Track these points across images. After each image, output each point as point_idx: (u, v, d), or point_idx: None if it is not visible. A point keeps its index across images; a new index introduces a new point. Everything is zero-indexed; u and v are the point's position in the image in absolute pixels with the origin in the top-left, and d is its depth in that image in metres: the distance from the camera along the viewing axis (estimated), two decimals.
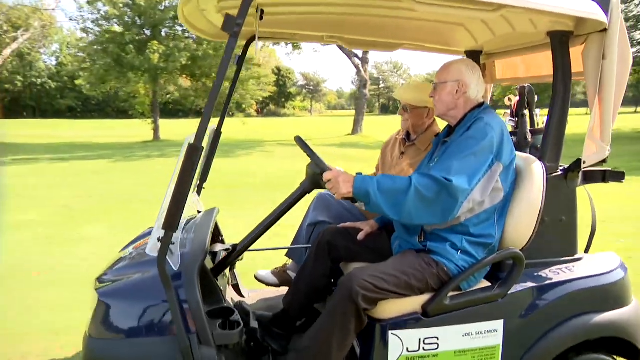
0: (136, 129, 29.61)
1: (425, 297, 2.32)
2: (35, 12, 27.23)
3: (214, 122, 2.59)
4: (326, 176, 2.35)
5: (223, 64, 1.96)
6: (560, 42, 2.42)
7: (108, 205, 9.03)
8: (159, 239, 2.06)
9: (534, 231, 2.38)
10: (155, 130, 26.32)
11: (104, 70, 24.03)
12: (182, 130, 23.58)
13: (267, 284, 3.42)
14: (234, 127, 25.40)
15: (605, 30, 2.29)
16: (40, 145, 23.30)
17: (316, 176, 2.51)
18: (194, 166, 1.99)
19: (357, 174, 2.36)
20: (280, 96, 79.20)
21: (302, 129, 34.64)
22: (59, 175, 12.98)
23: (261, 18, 2.46)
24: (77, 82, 30.72)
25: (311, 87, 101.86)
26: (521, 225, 2.39)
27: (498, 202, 2.35)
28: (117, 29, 24.05)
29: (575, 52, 2.47)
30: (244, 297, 3.18)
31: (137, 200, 9.31)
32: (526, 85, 3.15)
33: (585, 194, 2.81)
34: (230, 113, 72.69)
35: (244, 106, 72.41)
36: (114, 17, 24.27)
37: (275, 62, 79.77)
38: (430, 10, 2.16)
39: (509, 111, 3.22)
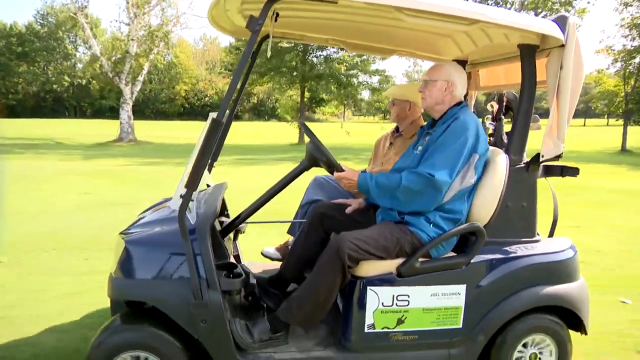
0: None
1: (400, 261, 2.79)
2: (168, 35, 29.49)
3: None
4: (337, 176, 2.93)
5: (244, 56, 2.46)
6: (527, 54, 2.92)
7: None
8: (181, 196, 2.53)
9: (495, 211, 2.87)
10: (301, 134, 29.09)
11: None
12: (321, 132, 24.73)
13: (272, 259, 3.96)
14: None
15: (563, 45, 2.79)
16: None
17: (316, 155, 3.00)
18: (216, 136, 2.45)
19: (361, 171, 2.94)
20: (312, 101, 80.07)
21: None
22: None
23: (275, 20, 2.95)
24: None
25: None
26: (484, 206, 2.88)
27: (469, 185, 2.84)
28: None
29: (540, 64, 2.96)
30: (249, 269, 3.62)
31: None
32: (505, 92, 3.62)
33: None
34: (266, 118, 74.68)
35: (278, 111, 73.48)
36: None
37: None
38: (416, 21, 2.65)
39: (490, 116, 3.68)
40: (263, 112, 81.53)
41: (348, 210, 3.21)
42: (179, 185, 2.64)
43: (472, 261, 2.84)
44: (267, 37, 3.45)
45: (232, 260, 3.44)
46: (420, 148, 2.98)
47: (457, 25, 2.72)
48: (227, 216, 3.57)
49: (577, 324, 3.08)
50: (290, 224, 4.06)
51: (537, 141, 3.05)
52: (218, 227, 3.11)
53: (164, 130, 36.62)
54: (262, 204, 3.13)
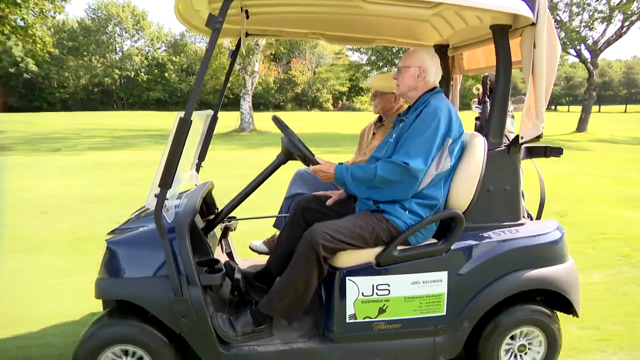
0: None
1: (378, 250, 2.83)
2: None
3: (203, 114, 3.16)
4: (313, 169, 2.98)
5: (206, 55, 2.51)
6: (500, 34, 2.91)
7: None
8: (155, 195, 2.61)
9: (474, 197, 2.87)
10: None
11: None
12: None
13: (260, 253, 4.06)
14: None
15: (534, 24, 2.76)
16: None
17: (290, 149, 3.06)
18: (184, 135, 2.50)
19: (338, 164, 2.98)
20: (351, 91, 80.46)
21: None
22: None
23: (247, 17, 3.02)
24: None
25: None
26: (462, 191, 2.88)
27: (445, 170, 2.86)
28: None
29: (516, 44, 2.93)
30: (237, 264, 3.64)
31: None
32: (488, 74, 3.54)
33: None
34: (308, 107, 75.68)
35: (320, 100, 73.38)
36: None
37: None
38: (376, 8, 2.67)
39: (477, 99, 3.62)
40: (305, 101, 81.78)
41: (329, 202, 3.27)
42: (152, 186, 2.70)
43: (452, 247, 2.86)
44: (246, 35, 3.48)
45: (224, 257, 3.55)
46: (394, 136, 3.01)
47: (421, 10, 2.71)
48: (218, 213, 3.59)
49: (567, 307, 3.06)
50: (275, 218, 4.13)
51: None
52: (200, 225, 3.19)
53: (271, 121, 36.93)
54: (242, 199, 3.21)
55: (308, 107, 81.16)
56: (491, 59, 3.52)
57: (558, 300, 3.06)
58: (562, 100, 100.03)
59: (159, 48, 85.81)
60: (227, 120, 31.11)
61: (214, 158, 14.29)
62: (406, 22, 3.51)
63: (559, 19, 27.55)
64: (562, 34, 26.85)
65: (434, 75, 3.04)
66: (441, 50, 3.79)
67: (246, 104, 27.26)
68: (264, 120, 31.19)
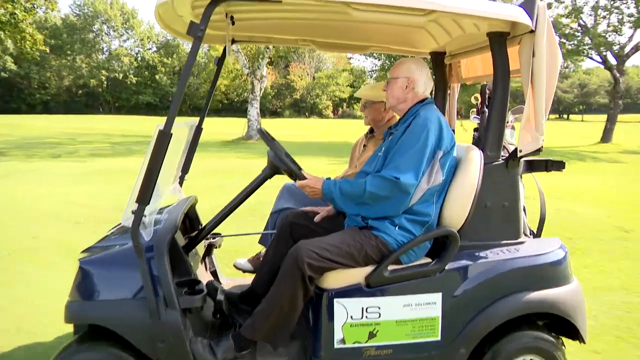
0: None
1: (368, 269, 2.74)
2: None
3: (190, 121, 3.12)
4: (300, 184, 2.94)
5: (188, 63, 2.45)
6: (497, 42, 2.84)
7: None
8: (132, 212, 2.53)
9: (469, 213, 2.79)
10: None
11: None
12: None
13: (245, 271, 3.99)
14: None
15: (533, 31, 2.70)
16: None
17: (276, 163, 3.00)
18: (164, 149, 2.45)
19: (326, 179, 2.92)
20: (352, 98, 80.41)
21: None
22: None
23: (233, 23, 2.96)
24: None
25: None
26: (457, 207, 2.81)
27: (437, 184, 2.79)
28: None
29: (514, 52, 2.87)
30: (221, 283, 3.61)
31: None
32: (487, 83, 3.55)
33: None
34: (306, 114, 74.95)
35: (320, 107, 72.41)
36: None
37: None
38: (366, 16, 2.62)
39: (476, 109, 3.63)
40: (304, 108, 79.29)
41: (317, 218, 3.20)
42: (129, 201, 2.66)
43: (447, 267, 2.77)
44: (232, 42, 3.47)
45: (208, 276, 3.54)
46: (383, 149, 2.95)
47: (413, 18, 2.67)
48: (202, 230, 3.52)
49: (573, 332, 2.96)
50: (261, 234, 4.06)
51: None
52: (182, 242, 3.12)
53: (279, 129, 36.00)
54: (226, 215, 3.14)
55: (307, 114, 78.53)
56: (489, 67, 3.33)
57: (562, 325, 2.95)
58: (575, 109, 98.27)
59: (150, 49, 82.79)
60: (233, 127, 31.23)
61: (223, 165, 14.53)
62: (400, 29, 3.44)
63: (582, 23, 27.07)
64: (587, 39, 26.49)
65: (424, 86, 3.00)
66: (438, 57, 3.75)
67: (254, 109, 26.57)
68: (272, 126, 31.14)
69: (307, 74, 78.44)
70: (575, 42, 27.37)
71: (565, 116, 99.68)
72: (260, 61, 26.47)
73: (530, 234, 3.27)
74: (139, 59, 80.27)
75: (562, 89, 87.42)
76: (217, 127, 34.43)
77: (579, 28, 27.61)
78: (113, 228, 3.37)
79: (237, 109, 72.91)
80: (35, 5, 22.25)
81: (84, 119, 50.75)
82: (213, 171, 13.02)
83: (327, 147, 23.16)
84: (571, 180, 12.37)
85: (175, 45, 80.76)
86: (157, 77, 77.85)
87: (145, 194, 2.46)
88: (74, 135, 28.64)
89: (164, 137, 2.44)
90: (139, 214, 2.49)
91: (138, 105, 74.50)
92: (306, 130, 37.37)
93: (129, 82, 75.40)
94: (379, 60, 35.34)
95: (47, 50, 27.69)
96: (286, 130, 35.38)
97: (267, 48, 25.68)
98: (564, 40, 26.90)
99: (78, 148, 21.16)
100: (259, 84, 26.78)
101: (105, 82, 75.97)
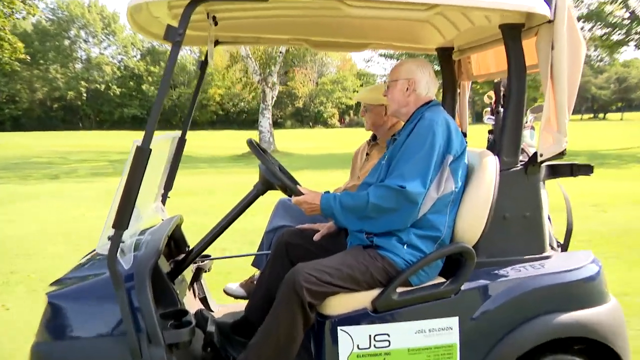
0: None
1: (374, 293, 2.54)
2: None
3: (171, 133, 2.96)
4: (296, 200, 2.78)
5: (167, 69, 2.29)
6: (510, 34, 2.66)
7: None
8: (108, 238, 2.35)
9: (485, 226, 2.59)
10: None
11: None
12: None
13: (236, 297, 3.76)
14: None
15: (551, 21, 2.52)
16: None
17: (269, 178, 2.82)
18: (142, 167, 2.29)
19: (324, 193, 2.74)
20: (358, 105, 79.46)
21: None
22: None
23: (216, 24, 2.78)
24: None
25: None
26: (471, 220, 2.61)
27: (448, 192, 2.60)
28: None
29: (531, 45, 2.70)
30: (212, 311, 3.42)
31: None
32: (501, 80, 3.45)
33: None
34: (310, 124, 74.48)
35: (325, 116, 71.69)
36: None
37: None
38: (362, 12, 2.47)
39: (490, 109, 3.53)
40: (307, 117, 76.63)
41: (316, 237, 3.01)
42: (104, 226, 2.49)
43: (463, 288, 2.57)
44: (216, 44, 3.30)
45: (197, 303, 3.42)
46: (387, 157, 2.77)
47: (414, 12, 2.53)
48: (189, 252, 3.32)
49: (613, 358, 2.72)
50: (255, 255, 3.84)
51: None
52: (166, 268, 2.94)
53: (290, 141, 35.95)
54: (215, 236, 2.94)
55: (310, 123, 75.50)
56: (503, 62, 3.17)
57: (601, 350, 2.74)
58: (612, 107, 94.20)
59: (134, 56, 78.65)
60: (237, 140, 30.58)
61: (242, 181, 13.71)
62: (402, 24, 3.27)
63: (631, 9, 25.86)
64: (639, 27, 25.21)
65: (426, 86, 2.84)
66: (445, 53, 3.55)
67: (266, 120, 25.82)
68: (286, 139, 30.78)
69: (310, 80, 77.89)
70: (624, 30, 26.38)
71: (601, 115, 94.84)
72: (272, 67, 25.85)
73: (559, 247, 3.09)
74: (123, 67, 75.78)
75: (597, 85, 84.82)
76: (221, 142, 33.96)
77: (628, 15, 26.71)
78: (86, 255, 3.17)
79: (232, 120, 69.80)
80: (14, 11, 21.42)
81: (66, 135, 48.23)
82: (234, 188, 12.50)
83: (344, 159, 22.96)
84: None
85: (162, 51, 74.60)
86: (143, 87, 73.15)
87: (122, 218, 2.29)
88: (62, 153, 27.49)
89: (142, 154, 2.28)
90: (116, 240, 2.32)
91: (123, 119, 69.76)
92: (313, 142, 36.00)
93: (111, 94, 70.96)
94: (397, 60, 35.18)
95: (28, 58, 27.23)
96: (291, 142, 34.35)
97: (280, 52, 25.45)
98: (610, 30, 26.02)
99: (75, 167, 20.61)
100: (270, 92, 26.09)
101: (84, 94, 71.47)
